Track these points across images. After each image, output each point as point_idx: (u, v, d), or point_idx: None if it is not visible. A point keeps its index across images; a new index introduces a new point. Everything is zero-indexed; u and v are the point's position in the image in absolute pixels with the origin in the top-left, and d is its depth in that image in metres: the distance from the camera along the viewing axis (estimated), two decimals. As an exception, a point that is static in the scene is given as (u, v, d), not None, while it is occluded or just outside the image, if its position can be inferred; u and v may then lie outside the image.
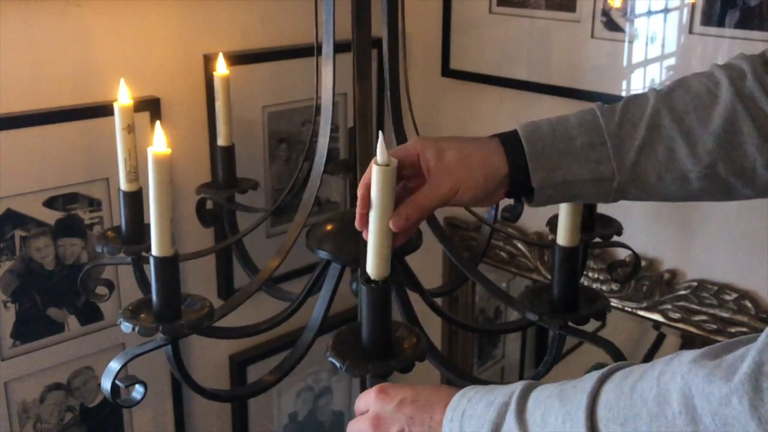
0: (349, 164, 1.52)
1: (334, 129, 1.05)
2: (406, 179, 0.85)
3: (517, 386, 0.72)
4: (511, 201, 1.27)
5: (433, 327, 1.50)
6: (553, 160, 0.82)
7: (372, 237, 0.79)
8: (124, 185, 1.11)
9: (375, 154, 0.76)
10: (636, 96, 0.85)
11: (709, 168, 0.81)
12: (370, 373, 0.79)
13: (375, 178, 0.77)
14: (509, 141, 0.83)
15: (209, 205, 1.44)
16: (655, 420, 0.59)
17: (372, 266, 0.80)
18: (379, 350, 0.81)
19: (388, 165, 0.76)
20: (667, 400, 0.58)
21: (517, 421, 0.68)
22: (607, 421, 0.62)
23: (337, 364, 0.80)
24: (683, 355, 0.60)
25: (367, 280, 0.81)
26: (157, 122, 0.88)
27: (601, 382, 0.65)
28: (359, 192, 0.81)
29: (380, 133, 0.77)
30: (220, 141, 1.35)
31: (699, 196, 0.85)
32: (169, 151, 0.84)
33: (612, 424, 0.62)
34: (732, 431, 0.54)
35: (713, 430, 0.55)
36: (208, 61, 1.44)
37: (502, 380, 1.91)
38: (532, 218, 1.50)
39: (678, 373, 0.58)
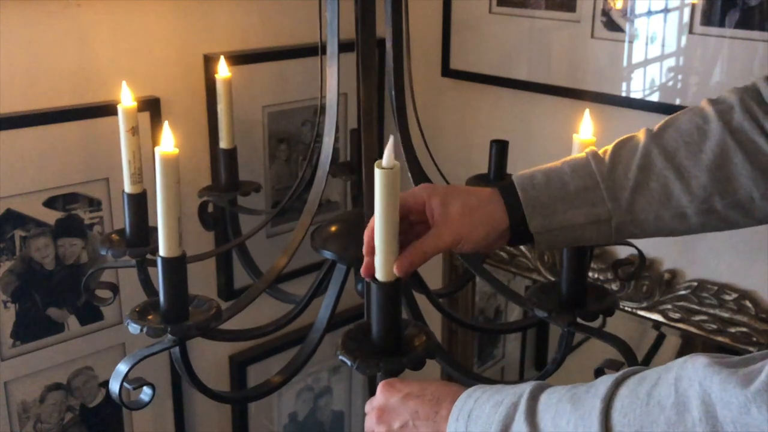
0: (352, 166, 1.51)
1: (336, 129, 1.05)
2: (413, 223, 0.86)
3: (526, 387, 0.72)
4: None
5: (432, 327, 1.50)
6: (549, 205, 0.84)
7: (379, 240, 0.79)
8: (128, 187, 1.10)
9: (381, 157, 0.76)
10: (627, 138, 0.87)
11: (705, 203, 0.83)
12: (381, 371, 0.79)
13: (379, 181, 0.75)
14: (507, 193, 0.85)
15: (211, 207, 1.43)
16: (673, 427, 0.58)
17: (380, 269, 0.80)
18: (389, 348, 0.81)
19: (392, 169, 0.75)
20: (687, 407, 0.58)
21: (527, 423, 0.68)
22: (622, 426, 0.62)
23: (348, 362, 0.80)
24: (697, 359, 0.59)
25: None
26: (165, 122, 0.88)
27: (615, 386, 0.65)
28: (366, 236, 0.82)
29: (391, 137, 0.78)
30: (223, 144, 1.34)
31: (701, 230, 0.86)
32: (176, 151, 0.84)
33: (627, 430, 0.61)
34: None
35: None
36: (209, 61, 1.44)
37: (502, 380, 1.91)
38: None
39: (695, 379, 0.58)
